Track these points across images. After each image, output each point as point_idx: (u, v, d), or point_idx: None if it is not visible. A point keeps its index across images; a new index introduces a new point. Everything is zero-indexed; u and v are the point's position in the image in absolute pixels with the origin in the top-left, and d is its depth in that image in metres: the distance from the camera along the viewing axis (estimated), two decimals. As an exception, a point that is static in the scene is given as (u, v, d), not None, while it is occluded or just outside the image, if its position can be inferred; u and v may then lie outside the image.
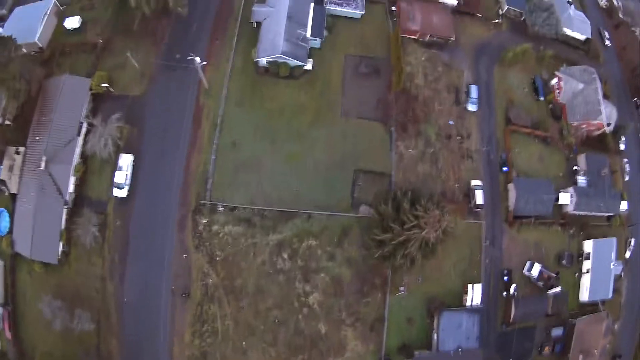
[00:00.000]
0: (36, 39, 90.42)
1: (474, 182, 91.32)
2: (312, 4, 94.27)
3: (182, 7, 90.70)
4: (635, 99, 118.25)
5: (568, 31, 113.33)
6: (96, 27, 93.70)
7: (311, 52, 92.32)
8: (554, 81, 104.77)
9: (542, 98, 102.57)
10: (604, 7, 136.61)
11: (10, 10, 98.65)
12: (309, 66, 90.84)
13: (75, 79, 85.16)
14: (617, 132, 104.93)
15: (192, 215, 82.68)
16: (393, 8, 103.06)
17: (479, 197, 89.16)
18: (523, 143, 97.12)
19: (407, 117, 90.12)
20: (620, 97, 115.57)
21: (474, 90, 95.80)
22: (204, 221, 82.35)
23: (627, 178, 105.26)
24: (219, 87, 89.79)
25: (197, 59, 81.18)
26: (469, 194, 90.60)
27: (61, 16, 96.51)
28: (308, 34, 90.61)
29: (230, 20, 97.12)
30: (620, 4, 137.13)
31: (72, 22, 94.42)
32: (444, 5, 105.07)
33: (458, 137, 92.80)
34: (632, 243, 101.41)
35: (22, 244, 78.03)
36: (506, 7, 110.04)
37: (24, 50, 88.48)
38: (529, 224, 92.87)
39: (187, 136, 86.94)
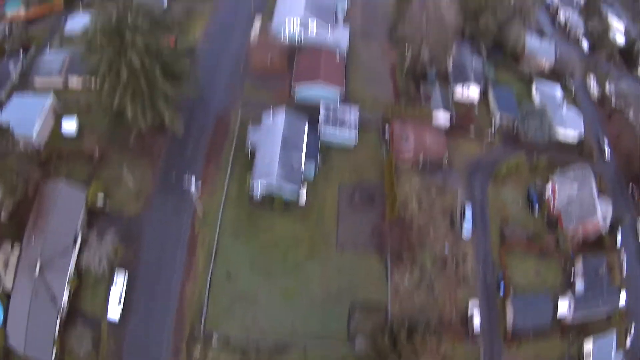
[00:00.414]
0: (34, 135, 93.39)
1: (471, 305, 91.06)
2: (306, 126, 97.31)
3: (177, 126, 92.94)
4: (631, 186, 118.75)
5: (561, 131, 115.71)
6: (93, 137, 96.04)
7: (305, 183, 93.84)
8: (549, 188, 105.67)
9: (536, 210, 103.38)
10: (596, 97, 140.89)
11: (9, 96, 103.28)
12: (303, 198, 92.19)
13: (71, 189, 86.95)
14: (613, 227, 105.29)
15: (186, 344, 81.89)
16: (386, 133, 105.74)
17: (477, 322, 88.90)
18: (519, 259, 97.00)
19: (402, 246, 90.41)
20: (615, 188, 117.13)
21: (468, 212, 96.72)
22: (199, 351, 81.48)
23: (624, 270, 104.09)
24: (214, 216, 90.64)
25: (193, 187, 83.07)
26: (467, 318, 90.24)
27: (59, 117, 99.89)
28: (302, 161, 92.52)
29: (226, 144, 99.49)
30: (612, 89, 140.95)
31: (70, 125, 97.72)
32: (437, 126, 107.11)
33: (454, 262, 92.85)
34: (633, 329, 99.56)
35: (15, 338, 77.10)
36: (498, 114, 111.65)
37: (22, 147, 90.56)
38: (528, 340, 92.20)
39: (182, 262, 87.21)
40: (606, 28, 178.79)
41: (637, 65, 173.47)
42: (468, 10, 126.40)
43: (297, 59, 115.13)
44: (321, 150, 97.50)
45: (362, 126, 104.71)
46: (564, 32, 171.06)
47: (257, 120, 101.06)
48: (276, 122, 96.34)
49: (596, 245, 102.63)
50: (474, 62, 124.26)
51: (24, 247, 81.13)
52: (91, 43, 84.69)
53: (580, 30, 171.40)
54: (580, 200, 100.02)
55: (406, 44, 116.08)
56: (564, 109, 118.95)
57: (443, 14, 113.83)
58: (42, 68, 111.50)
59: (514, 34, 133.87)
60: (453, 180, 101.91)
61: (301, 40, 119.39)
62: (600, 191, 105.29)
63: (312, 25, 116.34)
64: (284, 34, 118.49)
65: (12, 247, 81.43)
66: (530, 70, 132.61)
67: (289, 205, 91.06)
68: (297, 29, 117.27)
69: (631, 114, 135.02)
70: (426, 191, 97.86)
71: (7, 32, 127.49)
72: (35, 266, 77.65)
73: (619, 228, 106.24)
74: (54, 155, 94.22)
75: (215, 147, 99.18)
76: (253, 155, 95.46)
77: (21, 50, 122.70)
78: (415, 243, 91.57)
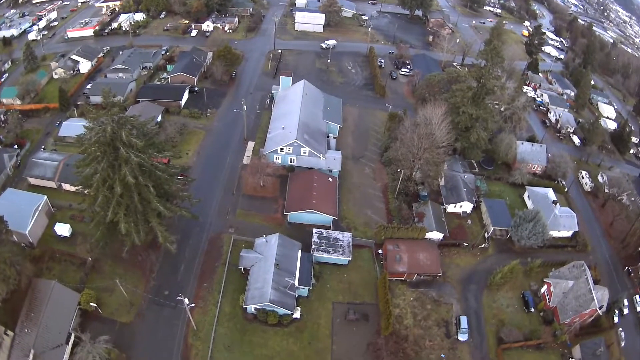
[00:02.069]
0: (27, 232, 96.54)
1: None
2: (299, 252, 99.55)
3: (171, 244, 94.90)
4: (627, 268, 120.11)
5: (555, 233, 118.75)
6: (86, 244, 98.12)
7: (299, 301, 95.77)
8: (544, 289, 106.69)
9: (532, 310, 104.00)
10: (589, 189, 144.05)
11: (3, 188, 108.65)
12: (297, 315, 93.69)
13: (64, 289, 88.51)
14: (610, 309, 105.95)
15: None
16: (380, 251, 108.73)
17: None
18: (517, 356, 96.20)
19: (398, 359, 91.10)
20: (611, 272, 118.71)
21: (463, 321, 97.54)
22: None
23: (623, 344, 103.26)
24: (207, 330, 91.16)
25: (186, 301, 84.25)
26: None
27: (52, 218, 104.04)
28: (296, 283, 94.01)
29: (218, 264, 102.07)
30: (605, 179, 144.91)
31: (63, 230, 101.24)
32: (430, 241, 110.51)
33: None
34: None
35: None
36: (492, 229, 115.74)
37: (15, 238, 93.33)
38: None
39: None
40: (597, 118, 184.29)
41: (629, 148, 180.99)
42: (459, 126, 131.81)
43: (289, 182, 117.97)
44: (315, 269, 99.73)
45: (356, 246, 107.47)
46: (555, 131, 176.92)
47: (250, 244, 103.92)
48: (269, 247, 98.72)
49: (593, 328, 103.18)
50: (466, 178, 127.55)
51: (18, 333, 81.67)
52: (86, 153, 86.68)
53: (571, 126, 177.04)
54: (576, 294, 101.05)
55: (398, 165, 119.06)
56: (557, 211, 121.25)
57: (434, 133, 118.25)
58: (36, 168, 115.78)
59: (504, 144, 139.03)
60: (447, 292, 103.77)
61: (294, 164, 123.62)
62: (596, 281, 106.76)
63: (305, 150, 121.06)
64: (276, 157, 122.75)
65: (5, 331, 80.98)
66: (522, 177, 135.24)
67: (284, 319, 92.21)
68: (290, 152, 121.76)
69: (625, 197, 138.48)
70: (421, 305, 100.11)
71: (2, 119, 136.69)
72: (29, 355, 78.08)
73: (616, 308, 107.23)
74: (46, 255, 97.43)
75: (208, 267, 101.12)
76: (246, 275, 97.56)
77: (16, 146, 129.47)
78: (411, 354, 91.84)
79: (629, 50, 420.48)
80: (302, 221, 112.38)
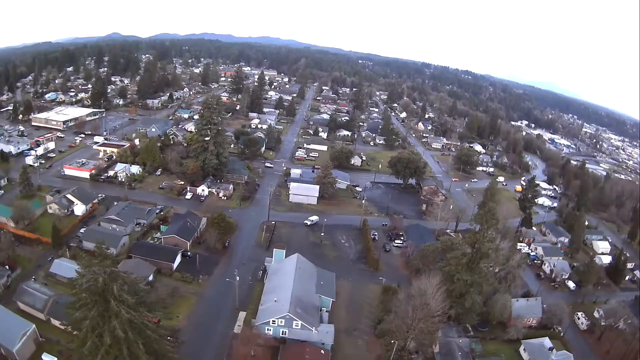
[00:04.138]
0: (14, 351, 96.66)
1: None
2: None
3: None
4: None
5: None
6: None
7: None
8: None
9: None
10: (585, 328, 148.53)
11: None
12: None
13: None
14: None
15: None
16: None
17: None
18: None
19: None
20: None
21: None
22: None
23: None
24: None
25: None
26: None
27: (40, 347, 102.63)
28: None
29: None
30: (601, 313, 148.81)
31: None
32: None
33: None
34: None
35: None
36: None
37: (3, 352, 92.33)
38: None
39: None
40: (592, 257, 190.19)
41: (624, 277, 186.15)
42: (454, 293, 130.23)
43: (281, 355, 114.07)
44: None
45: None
46: (549, 281, 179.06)
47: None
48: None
49: None
50: (461, 342, 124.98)
51: None
52: (76, 297, 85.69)
53: (565, 273, 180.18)
54: None
55: (392, 337, 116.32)
56: (554, 357, 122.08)
57: (429, 302, 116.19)
58: (26, 296, 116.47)
59: (499, 305, 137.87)
60: None
61: (285, 336, 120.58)
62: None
63: (297, 323, 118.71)
64: (268, 328, 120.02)
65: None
66: (517, 333, 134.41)
67: None
68: (282, 325, 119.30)
69: (621, 323, 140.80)
70: None
71: None
72: None
73: None
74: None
75: None
76: None
77: (7, 267, 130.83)
78: None
79: (623, 176, 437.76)
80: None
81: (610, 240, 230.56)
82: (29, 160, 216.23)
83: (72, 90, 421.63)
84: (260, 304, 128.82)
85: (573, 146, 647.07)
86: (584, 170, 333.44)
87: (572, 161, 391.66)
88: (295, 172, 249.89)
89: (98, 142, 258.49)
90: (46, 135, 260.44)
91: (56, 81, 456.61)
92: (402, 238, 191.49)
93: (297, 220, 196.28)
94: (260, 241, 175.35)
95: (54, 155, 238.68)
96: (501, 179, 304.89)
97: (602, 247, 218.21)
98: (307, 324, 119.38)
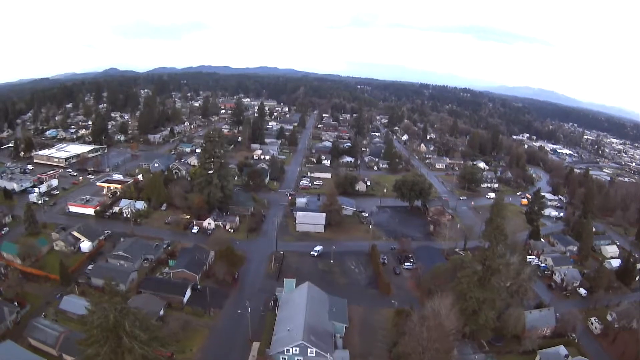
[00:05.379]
0: None
1: None
2: None
3: None
4: None
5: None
6: None
7: None
8: None
9: None
10: (598, 332, 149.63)
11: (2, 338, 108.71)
12: None
13: None
14: None
15: None
16: None
17: None
18: None
19: None
20: None
21: None
22: None
23: None
24: None
25: None
26: None
27: None
28: None
29: None
30: (614, 316, 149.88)
31: None
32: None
33: None
34: None
35: None
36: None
37: None
38: None
39: None
40: (601, 262, 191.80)
41: (634, 278, 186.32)
42: (467, 311, 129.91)
43: None
44: None
45: None
46: (561, 290, 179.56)
47: None
48: None
49: None
50: (476, 359, 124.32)
51: None
52: (88, 334, 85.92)
53: (576, 280, 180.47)
54: None
55: (407, 359, 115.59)
56: None
57: (443, 322, 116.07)
58: (37, 332, 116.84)
59: (513, 319, 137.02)
60: None
61: None
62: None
63: (312, 350, 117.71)
64: (282, 357, 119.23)
65: None
66: (532, 344, 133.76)
67: None
68: (297, 353, 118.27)
69: (634, 323, 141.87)
70: None
71: (2, 272, 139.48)
72: None
73: None
74: None
75: None
76: None
77: (16, 303, 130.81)
78: None
79: (626, 179, 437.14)
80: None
81: (618, 244, 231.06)
82: (33, 197, 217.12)
83: (72, 126, 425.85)
84: (273, 334, 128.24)
85: (575, 154, 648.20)
86: (588, 177, 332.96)
87: (575, 169, 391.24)
88: (301, 200, 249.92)
89: (101, 179, 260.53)
90: (48, 173, 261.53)
91: (56, 118, 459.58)
92: (411, 260, 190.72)
93: (305, 250, 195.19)
94: (270, 272, 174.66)
95: (57, 192, 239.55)
96: (492, 194, 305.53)
97: (610, 251, 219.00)
98: (321, 350, 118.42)
